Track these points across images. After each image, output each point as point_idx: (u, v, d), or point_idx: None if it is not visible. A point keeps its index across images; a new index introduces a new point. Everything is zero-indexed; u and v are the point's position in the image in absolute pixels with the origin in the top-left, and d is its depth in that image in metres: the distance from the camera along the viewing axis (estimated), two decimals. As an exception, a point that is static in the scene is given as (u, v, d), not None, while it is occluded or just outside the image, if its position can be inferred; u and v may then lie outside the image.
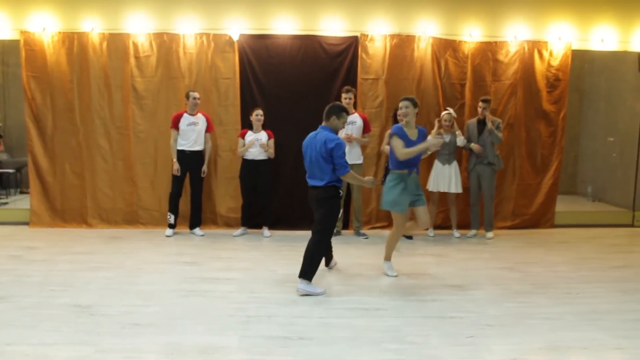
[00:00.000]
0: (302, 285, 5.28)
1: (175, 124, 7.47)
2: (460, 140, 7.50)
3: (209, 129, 7.63)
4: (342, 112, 5.45)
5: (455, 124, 7.57)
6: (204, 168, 7.61)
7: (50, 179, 7.96)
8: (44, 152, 7.93)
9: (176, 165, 7.45)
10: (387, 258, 5.99)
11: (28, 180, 8.11)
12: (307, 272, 5.31)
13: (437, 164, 7.65)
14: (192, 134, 7.46)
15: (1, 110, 9.89)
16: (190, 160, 7.51)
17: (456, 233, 7.83)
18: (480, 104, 7.60)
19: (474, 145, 7.56)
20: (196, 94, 7.48)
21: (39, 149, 7.91)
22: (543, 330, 4.52)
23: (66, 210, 8.01)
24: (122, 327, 4.45)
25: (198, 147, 7.55)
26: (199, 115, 7.55)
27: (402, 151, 5.55)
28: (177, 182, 7.54)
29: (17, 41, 7.78)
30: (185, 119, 7.46)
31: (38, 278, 5.65)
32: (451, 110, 7.53)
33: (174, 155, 7.50)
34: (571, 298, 5.31)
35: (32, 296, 5.11)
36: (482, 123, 7.60)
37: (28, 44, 7.75)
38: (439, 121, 7.16)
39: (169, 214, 7.59)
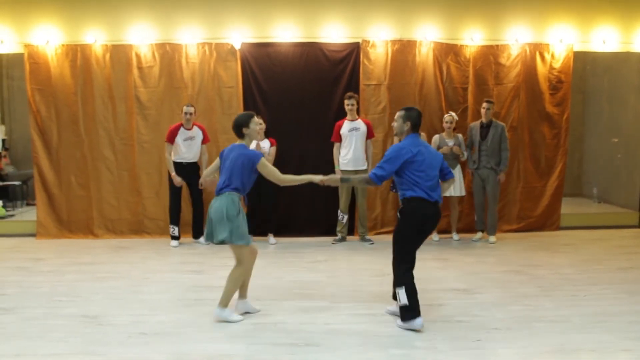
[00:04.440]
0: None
1: (171, 138, 7.39)
2: (463, 156, 7.63)
3: (205, 141, 7.59)
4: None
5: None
6: (202, 180, 7.58)
7: (56, 190, 8.01)
8: (49, 164, 7.98)
9: (177, 179, 7.39)
10: None
11: (34, 192, 8.16)
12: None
13: None
14: (189, 149, 7.43)
15: (7, 124, 9.95)
16: (188, 172, 7.47)
17: (455, 236, 7.85)
18: (484, 104, 7.56)
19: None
20: (190, 109, 7.36)
21: (45, 161, 7.97)
22: (550, 333, 4.50)
23: (72, 222, 8.05)
24: (129, 336, 4.47)
25: (194, 159, 7.52)
26: (195, 128, 7.50)
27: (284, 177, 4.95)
28: (175, 194, 7.53)
29: (21, 54, 7.85)
30: (182, 133, 7.39)
31: (45, 289, 5.68)
32: (453, 114, 7.57)
33: (171, 169, 7.41)
34: (578, 300, 5.30)
35: (39, 307, 5.13)
36: (485, 126, 7.59)
37: (32, 57, 7.82)
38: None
39: (171, 226, 7.59)
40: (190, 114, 7.39)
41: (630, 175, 9.23)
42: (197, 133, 7.50)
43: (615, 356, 4.13)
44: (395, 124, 4.94)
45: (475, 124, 7.70)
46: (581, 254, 7.09)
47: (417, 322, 4.54)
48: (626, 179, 9.38)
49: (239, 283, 4.81)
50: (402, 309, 4.58)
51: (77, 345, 4.29)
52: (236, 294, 4.90)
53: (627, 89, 9.39)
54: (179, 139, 7.39)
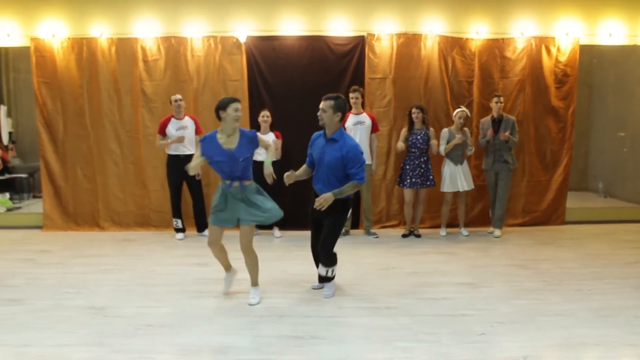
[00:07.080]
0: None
1: (162, 130, 7.39)
2: (470, 151, 7.58)
3: (197, 131, 7.57)
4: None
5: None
6: (199, 171, 7.60)
7: (62, 183, 8.05)
8: (55, 157, 8.02)
9: (176, 133, 7.32)
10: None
11: (40, 184, 8.20)
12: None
13: (449, 164, 7.55)
14: (183, 140, 7.39)
15: (13, 117, 10.00)
16: (185, 165, 7.45)
17: (464, 231, 7.80)
18: (494, 99, 7.52)
19: (502, 135, 7.43)
20: (178, 96, 7.41)
21: (51, 153, 8.00)
22: (555, 327, 4.51)
23: (78, 214, 8.09)
24: (136, 328, 4.50)
25: (191, 151, 7.42)
26: (187, 118, 7.50)
27: None
28: (174, 187, 7.53)
29: (28, 48, 7.87)
30: (173, 123, 7.40)
31: (52, 281, 5.72)
32: (466, 110, 7.53)
33: (166, 142, 7.34)
34: (583, 295, 5.30)
35: (46, 299, 5.17)
36: (497, 121, 7.55)
37: (38, 50, 7.84)
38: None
39: (174, 219, 7.62)
40: (181, 99, 7.42)
41: (636, 169, 9.20)
42: (189, 123, 7.49)
43: (620, 351, 4.13)
44: (324, 115, 4.93)
45: (487, 119, 7.65)
46: (586, 248, 7.09)
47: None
48: (632, 174, 9.35)
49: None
50: (331, 279, 5.32)
51: (84, 337, 4.33)
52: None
53: (633, 82, 9.35)
54: (171, 129, 7.38)
